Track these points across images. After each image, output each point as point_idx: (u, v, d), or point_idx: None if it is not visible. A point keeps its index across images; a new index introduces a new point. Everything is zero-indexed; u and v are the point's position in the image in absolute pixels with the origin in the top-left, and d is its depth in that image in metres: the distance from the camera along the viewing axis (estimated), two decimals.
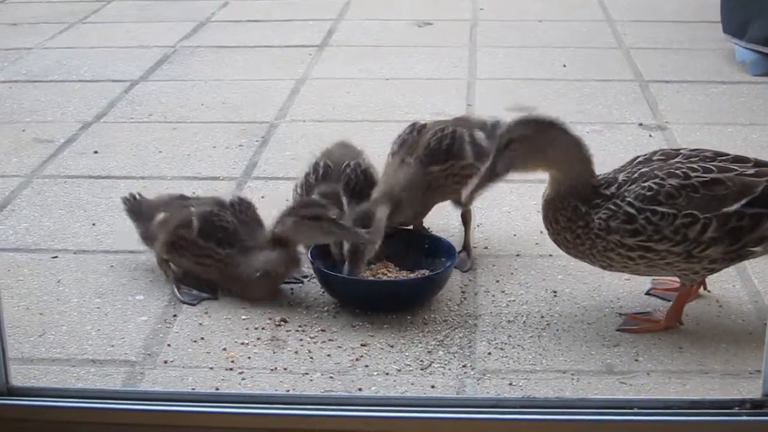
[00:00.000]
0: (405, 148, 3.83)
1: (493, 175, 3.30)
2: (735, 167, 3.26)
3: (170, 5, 7.92)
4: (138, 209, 3.84)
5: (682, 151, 3.37)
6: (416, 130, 3.89)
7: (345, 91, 5.83)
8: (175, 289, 3.62)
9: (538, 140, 3.24)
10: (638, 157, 3.40)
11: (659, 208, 3.19)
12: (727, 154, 3.34)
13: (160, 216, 3.72)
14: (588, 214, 3.25)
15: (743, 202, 3.18)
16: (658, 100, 5.62)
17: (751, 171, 3.25)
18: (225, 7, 7.80)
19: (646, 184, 3.23)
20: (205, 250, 3.60)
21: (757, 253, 3.26)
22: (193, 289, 3.63)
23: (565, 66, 6.24)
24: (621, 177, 3.31)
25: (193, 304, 3.56)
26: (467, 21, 7.37)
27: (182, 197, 3.88)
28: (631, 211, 3.20)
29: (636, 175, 3.28)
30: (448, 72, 6.19)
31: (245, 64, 6.36)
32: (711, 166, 3.24)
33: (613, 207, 3.23)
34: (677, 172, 3.23)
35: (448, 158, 3.78)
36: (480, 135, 3.93)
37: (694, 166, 3.25)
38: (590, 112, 5.45)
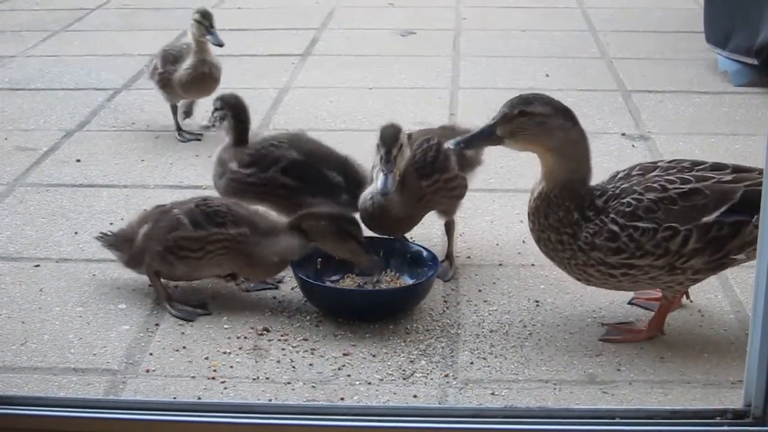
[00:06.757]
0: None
1: (491, 135, 3.26)
2: (712, 175, 3.25)
3: (153, 14, 7.91)
4: (114, 241, 3.76)
5: (660, 164, 3.37)
6: None
7: (328, 100, 5.83)
8: (169, 307, 3.59)
9: (550, 122, 3.21)
10: (619, 172, 3.40)
11: (639, 224, 3.18)
12: (705, 163, 3.35)
13: (143, 230, 3.66)
14: (578, 224, 3.23)
15: (723, 209, 3.18)
16: (640, 110, 5.63)
17: (729, 177, 3.25)
18: None
19: (625, 200, 3.22)
20: (210, 237, 3.55)
21: (741, 260, 3.26)
22: (186, 306, 3.60)
23: (548, 76, 6.25)
24: (609, 190, 3.30)
25: (191, 320, 3.54)
26: (450, 30, 7.38)
27: (158, 206, 3.77)
28: (615, 228, 3.19)
29: (618, 191, 3.28)
30: (431, 81, 6.20)
31: (228, 73, 6.31)
32: (688, 177, 3.24)
33: (599, 223, 3.22)
34: (655, 185, 3.23)
35: (433, 172, 3.77)
36: None
37: (672, 177, 3.24)
38: None
